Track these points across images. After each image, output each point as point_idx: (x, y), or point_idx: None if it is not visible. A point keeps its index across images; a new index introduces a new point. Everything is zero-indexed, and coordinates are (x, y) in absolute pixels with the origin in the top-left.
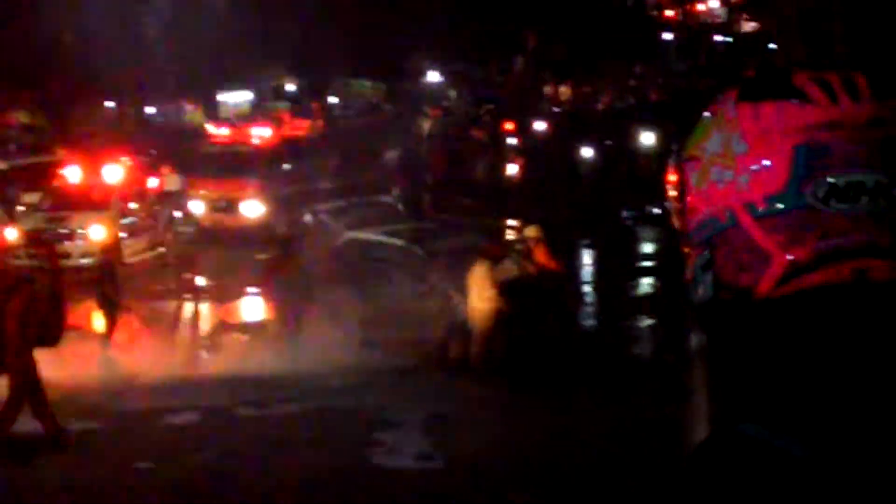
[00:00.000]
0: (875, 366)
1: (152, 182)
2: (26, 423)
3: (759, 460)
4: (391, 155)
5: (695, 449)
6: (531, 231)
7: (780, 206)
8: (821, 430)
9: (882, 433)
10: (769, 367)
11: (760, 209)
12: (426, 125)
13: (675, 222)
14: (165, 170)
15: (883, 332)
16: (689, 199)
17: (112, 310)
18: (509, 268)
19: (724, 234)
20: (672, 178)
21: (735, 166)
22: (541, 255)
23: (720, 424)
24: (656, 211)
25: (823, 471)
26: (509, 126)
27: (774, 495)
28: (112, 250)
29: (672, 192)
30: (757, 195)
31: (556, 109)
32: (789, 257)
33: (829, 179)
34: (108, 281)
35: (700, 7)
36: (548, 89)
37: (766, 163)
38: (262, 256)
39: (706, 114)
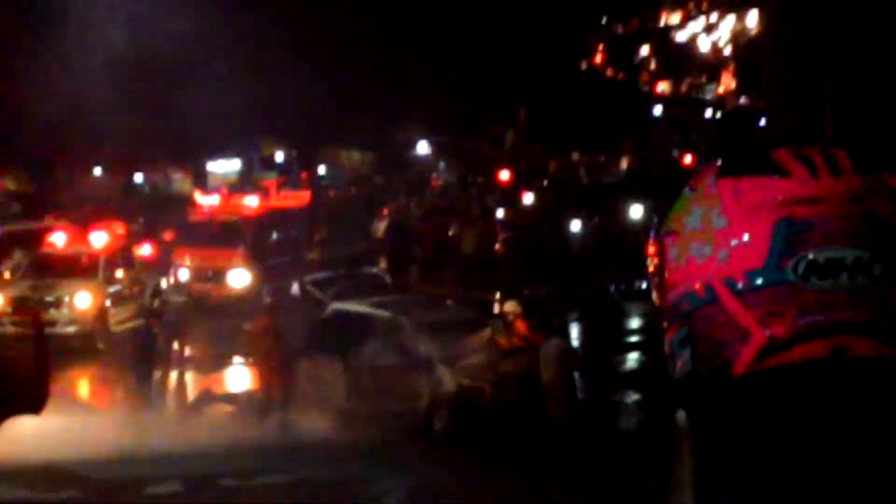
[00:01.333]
0: (852, 445)
1: (140, 250)
2: (9, 492)
3: None
4: (379, 226)
5: None
6: (510, 306)
7: (760, 281)
8: None
9: None
10: (746, 443)
11: (740, 285)
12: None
13: (654, 297)
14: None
15: (861, 409)
16: (668, 273)
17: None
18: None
19: (702, 309)
20: (651, 251)
21: (714, 241)
22: (522, 329)
23: (698, 501)
24: (644, 285)
25: None
26: (504, 177)
27: None
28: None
29: (651, 267)
30: (737, 270)
31: (545, 182)
32: (768, 333)
33: (810, 256)
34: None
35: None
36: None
37: (746, 238)
38: (248, 326)
39: (686, 189)
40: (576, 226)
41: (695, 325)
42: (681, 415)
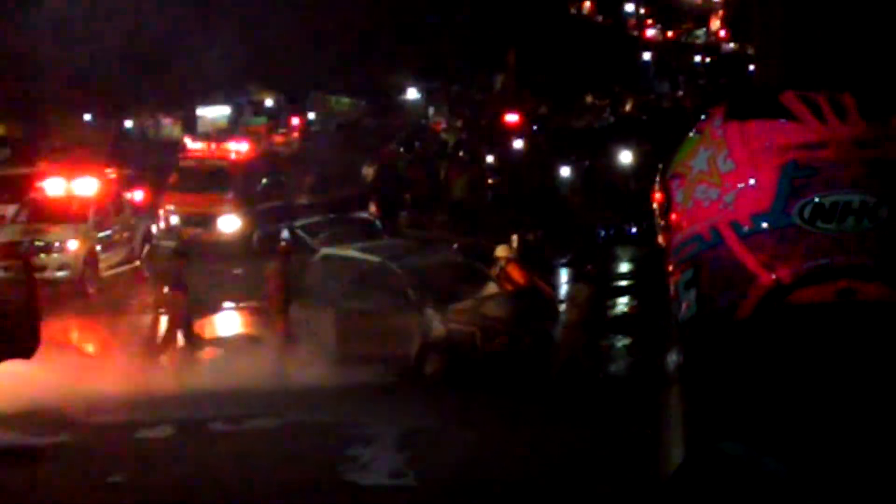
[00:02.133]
0: (858, 386)
1: (131, 195)
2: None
3: (741, 479)
4: (369, 171)
5: (676, 467)
6: (501, 250)
7: (766, 225)
8: (803, 449)
9: (864, 452)
10: (752, 385)
11: (745, 228)
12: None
13: (660, 239)
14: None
15: (866, 352)
16: (673, 216)
17: None
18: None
19: (708, 252)
20: (657, 195)
21: (721, 184)
22: (514, 274)
23: (700, 443)
24: (633, 230)
25: (806, 489)
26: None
27: None
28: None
29: (656, 210)
30: (742, 214)
31: (534, 127)
32: (773, 277)
33: (815, 199)
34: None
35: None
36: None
37: (753, 181)
38: (237, 271)
39: (693, 132)
40: (565, 171)
41: (700, 268)
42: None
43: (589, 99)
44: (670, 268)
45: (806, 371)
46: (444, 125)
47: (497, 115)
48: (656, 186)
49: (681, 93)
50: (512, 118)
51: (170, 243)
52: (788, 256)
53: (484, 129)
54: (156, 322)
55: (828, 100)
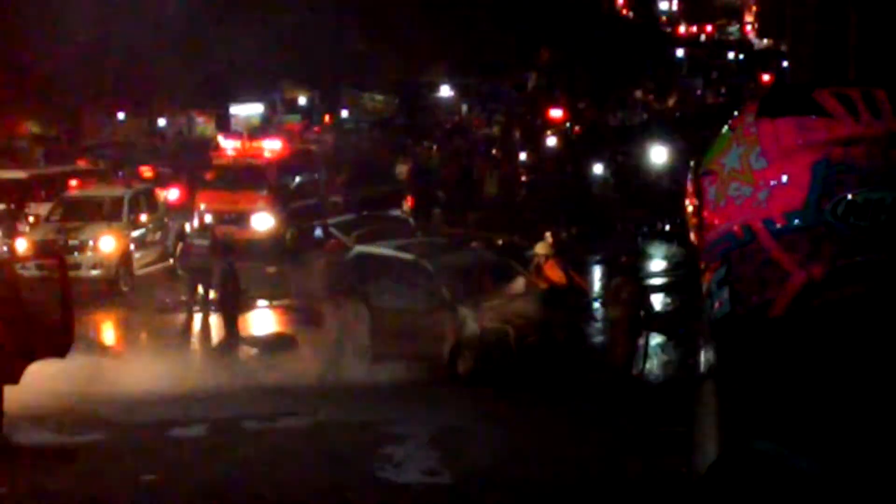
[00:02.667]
0: (892, 384)
1: (166, 194)
2: (35, 434)
3: (774, 477)
4: (402, 169)
5: (710, 465)
6: (541, 247)
7: (799, 222)
8: (836, 448)
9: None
10: (784, 383)
11: (779, 225)
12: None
13: (692, 237)
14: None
15: None
16: (706, 214)
17: None
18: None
19: (741, 249)
20: (690, 193)
21: (754, 182)
22: (551, 271)
23: (734, 441)
24: (668, 227)
25: (839, 488)
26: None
27: None
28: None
29: (689, 207)
30: (775, 211)
31: (567, 125)
32: (806, 274)
33: (849, 196)
34: None
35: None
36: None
37: (785, 179)
38: (271, 269)
39: (725, 129)
40: (598, 168)
41: (733, 266)
42: (706, 356)
43: (638, 94)
44: (703, 265)
45: (839, 369)
46: (483, 121)
47: (531, 113)
48: (689, 184)
49: (722, 89)
50: (556, 113)
51: (203, 241)
52: (822, 254)
53: (523, 125)
54: (190, 320)
55: (861, 96)
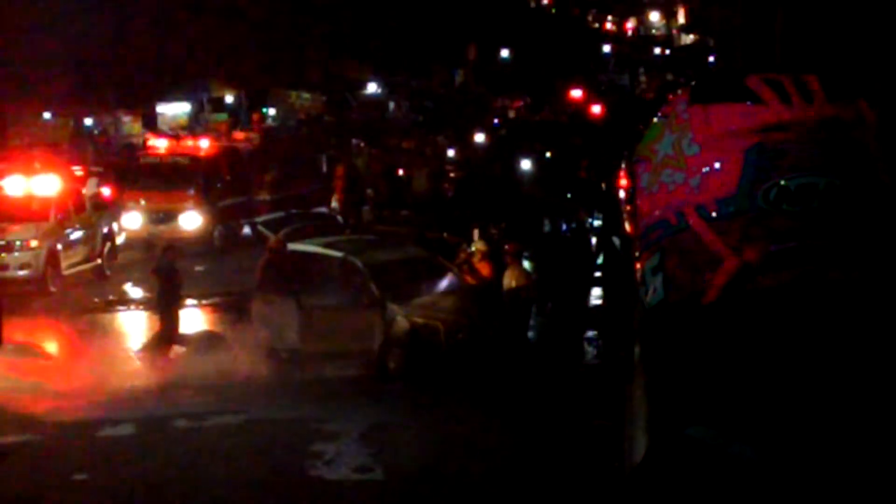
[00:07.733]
0: (825, 368)
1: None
2: None
3: (708, 462)
4: (330, 166)
5: (644, 454)
6: (480, 244)
7: (732, 208)
8: (771, 433)
9: (832, 435)
10: (718, 370)
11: (711, 212)
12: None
13: (626, 225)
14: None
15: (833, 334)
16: (639, 201)
17: None
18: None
19: (674, 236)
20: (623, 181)
21: (686, 168)
22: (481, 267)
23: (667, 429)
24: (596, 223)
25: (774, 473)
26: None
27: (725, 498)
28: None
29: (623, 195)
30: (708, 198)
31: (495, 121)
32: (740, 260)
33: (781, 182)
34: None
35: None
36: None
37: (718, 165)
38: (199, 268)
39: (658, 116)
40: (526, 164)
41: (666, 253)
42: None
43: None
44: (637, 253)
45: (772, 354)
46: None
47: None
48: (622, 172)
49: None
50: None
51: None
52: (755, 240)
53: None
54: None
55: (793, 82)
